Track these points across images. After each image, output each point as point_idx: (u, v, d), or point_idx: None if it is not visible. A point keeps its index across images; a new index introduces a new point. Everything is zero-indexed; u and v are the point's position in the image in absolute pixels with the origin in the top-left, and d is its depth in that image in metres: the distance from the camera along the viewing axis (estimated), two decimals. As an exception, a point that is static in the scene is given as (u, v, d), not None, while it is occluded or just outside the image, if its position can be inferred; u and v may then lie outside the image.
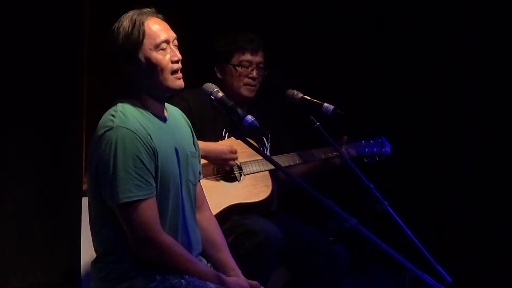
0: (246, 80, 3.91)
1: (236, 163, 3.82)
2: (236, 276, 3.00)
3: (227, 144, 3.81)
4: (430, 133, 4.88)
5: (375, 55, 4.87)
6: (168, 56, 2.87)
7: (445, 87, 4.84)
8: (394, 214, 3.05)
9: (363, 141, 3.98)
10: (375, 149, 3.97)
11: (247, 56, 3.91)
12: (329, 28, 4.84)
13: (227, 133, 3.88)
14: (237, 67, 3.90)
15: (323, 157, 3.92)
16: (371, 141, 3.99)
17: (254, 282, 2.98)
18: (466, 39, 4.77)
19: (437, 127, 4.86)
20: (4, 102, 3.71)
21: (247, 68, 3.91)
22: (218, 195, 3.72)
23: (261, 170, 3.83)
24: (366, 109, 4.83)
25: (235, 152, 3.77)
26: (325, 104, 3.51)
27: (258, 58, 3.93)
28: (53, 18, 3.81)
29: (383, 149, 3.98)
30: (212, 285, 2.82)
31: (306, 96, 3.57)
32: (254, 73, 3.92)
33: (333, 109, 3.49)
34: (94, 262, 2.93)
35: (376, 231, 2.65)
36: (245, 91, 3.91)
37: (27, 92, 3.78)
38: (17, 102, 3.75)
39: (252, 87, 3.92)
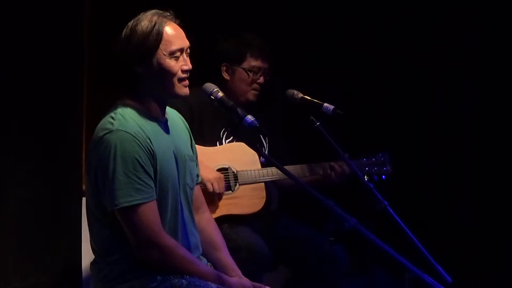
0: (254, 85, 3.91)
1: (233, 171, 3.81)
2: (237, 276, 2.99)
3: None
4: (430, 133, 4.88)
5: (374, 55, 4.87)
6: (179, 64, 2.86)
7: (445, 88, 4.84)
8: (394, 214, 3.05)
9: (364, 159, 3.96)
10: (375, 168, 3.94)
11: (259, 63, 3.91)
12: (329, 29, 4.85)
13: (225, 133, 3.87)
14: (248, 72, 3.89)
15: (321, 174, 3.91)
16: (373, 159, 3.95)
17: (259, 285, 2.97)
18: (466, 39, 4.77)
19: (437, 127, 4.87)
20: (4, 103, 3.71)
21: (257, 74, 3.91)
22: (210, 204, 3.71)
23: (257, 181, 3.81)
24: (366, 109, 4.83)
25: (221, 185, 3.73)
26: (325, 104, 3.50)
27: (266, 65, 3.94)
28: (53, 20, 3.81)
29: (384, 168, 3.95)
30: (214, 285, 2.81)
31: (306, 96, 3.56)
32: (262, 79, 3.92)
33: (333, 109, 3.48)
34: (93, 263, 2.92)
35: (376, 231, 2.65)
36: (251, 96, 3.92)
37: (27, 93, 3.78)
38: (17, 103, 3.75)
39: (258, 92, 3.92)
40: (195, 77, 2.96)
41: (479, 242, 4.76)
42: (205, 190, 3.57)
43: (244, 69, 3.89)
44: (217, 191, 3.69)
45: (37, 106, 3.81)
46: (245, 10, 4.59)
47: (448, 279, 2.86)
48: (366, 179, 3.88)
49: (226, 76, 3.92)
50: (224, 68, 3.92)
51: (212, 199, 3.69)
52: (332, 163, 3.89)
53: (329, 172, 3.89)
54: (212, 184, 3.66)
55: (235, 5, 4.54)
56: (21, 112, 3.77)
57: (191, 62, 2.90)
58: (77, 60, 3.93)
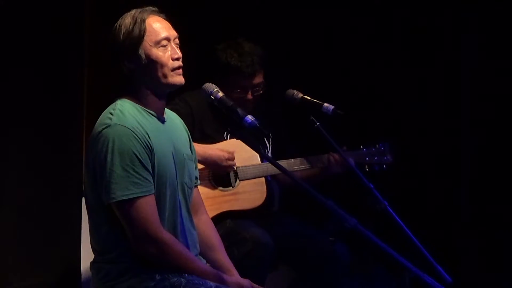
0: (243, 101, 3.79)
1: (233, 168, 3.81)
2: (234, 276, 3.00)
3: (227, 146, 3.80)
4: (430, 132, 4.88)
5: (375, 54, 4.87)
6: (168, 53, 2.87)
7: (445, 87, 4.85)
8: (394, 214, 3.06)
9: (364, 149, 3.94)
10: (375, 157, 3.92)
11: (245, 82, 3.81)
12: (329, 28, 4.85)
13: (228, 135, 3.87)
14: (234, 90, 3.77)
15: (320, 166, 3.90)
16: (373, 149, 3.94)
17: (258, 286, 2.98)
18: (466, 38, 4.77)
19: (437, 126, 4.86)
20: (4, 102, 3.71)
21: (244, 91, 3.80)
22: (212, 201, 3.71)
23: (257, 176, 3.80)
24: (366, 108, 4.83)
25: (233, 158, 3.74)
26: (325, 104, 3.50)
27: (257, 80, 3.83)
28: (53, 18, 3.81)
29: (384, 158, 3.93)
30: (212, 283, 2.82)
31: (306, 96, 3.56)
32: (250, 96, 3.82)
33: (333, 109, 3.48)
34: (93, 262, 2.92)
35: (376, 231, 2.65)
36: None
37: (27, 92, 3.78)
38: (17, 102, 3.75)
39: (249, 106, 3.80)
40: (195, 80, 2.97)
41: (479, 241, 4.76)
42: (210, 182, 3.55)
43: (230, 85, 3.75)
44: (232, 157, 3.69)
45: (37, 106, 3.81)
46: (245, 9, 4.59)
47: (448, 279, 2.87)
48: (366, 169, 3.88)
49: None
50: (217, 79, 3.86)
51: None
52: (329, 154, 3.87)
53: (328, 162, 3.88)
54: (226, 155, 3.68)
55: (234, 5, 4.54)
56: (21, 112, 3.77)
57: (190, 60, 2.91)
58: (77, 60, 3.93)
